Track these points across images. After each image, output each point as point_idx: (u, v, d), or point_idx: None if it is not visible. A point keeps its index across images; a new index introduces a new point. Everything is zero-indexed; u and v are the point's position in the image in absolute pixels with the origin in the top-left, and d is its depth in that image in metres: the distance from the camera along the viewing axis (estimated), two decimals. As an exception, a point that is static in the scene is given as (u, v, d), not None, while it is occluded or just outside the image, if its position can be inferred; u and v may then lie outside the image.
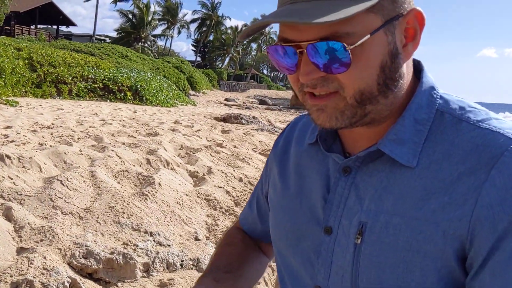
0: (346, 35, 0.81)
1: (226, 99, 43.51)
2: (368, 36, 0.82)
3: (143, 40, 57.09)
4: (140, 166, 6.07)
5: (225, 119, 17.24)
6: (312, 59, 0.84)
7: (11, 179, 4.38)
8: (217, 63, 78.64)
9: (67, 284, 2.93)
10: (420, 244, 0.85)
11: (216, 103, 37.88)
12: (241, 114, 18.38)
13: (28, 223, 3.61)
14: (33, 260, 3.06)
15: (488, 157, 0.83)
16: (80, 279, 3.08)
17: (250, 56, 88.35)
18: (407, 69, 0.92)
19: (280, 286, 1.14)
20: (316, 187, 1.03)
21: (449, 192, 0.84)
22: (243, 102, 43.25)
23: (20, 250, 3.30)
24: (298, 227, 1.05)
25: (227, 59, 78.61)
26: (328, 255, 0.97)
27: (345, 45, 0.81)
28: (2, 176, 4.31)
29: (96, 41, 52.69)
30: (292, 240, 1.06)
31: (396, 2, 0.86)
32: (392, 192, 0.90)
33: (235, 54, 76.39)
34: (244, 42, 77.32)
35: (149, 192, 4.63)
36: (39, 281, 2.87)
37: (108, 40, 59.12)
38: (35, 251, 3.19)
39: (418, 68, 0.99)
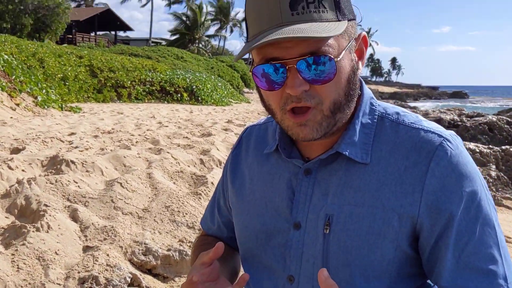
0: (327, 52, 0.97)
1: (280, 95, 43.49)
2: (343, 52, 1.00)
3: (197, 41, 58.05)
4: (194, 166, 6.32)
5: (278, 115, 17.32)
6: (302, 73, 0.97)
7: (76, 183, 4.72)
8: (271, 59, 78.58)
9: (129, 279, 3.18)
10: (380, 227, 1.03)
11: (271, 99, 37.92)
12: (294, 110, 18.41)
13: (92, 223, 3.90)
14: (97, 258, 3.32)
15: (425, 152, 1.03)
16: (140, 275, 3.33)
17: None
18: None
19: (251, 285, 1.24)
20: (280, 191, 1.16)
21: (400, 183, 1.03)
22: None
23: (86, 248, 3.58)
24: (267, 227, 1.17)
25: (280, 55, 78.46)
26: (299, 247, 1.10)
27: (333, 57, 0.97)
28: (68, 181, 4.65)
29: (152, 44, 54.11)
30: (262, 239, 1.18)
31: (354, 27, 1.05)
32: (352, 186, 1.06)
33: (288, 50, 76.15)
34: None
35: (202, 191, 4.85)
36: (103, 277, 3.13)
37: (164, 42, 60.52)
38: (99, 249, 3.46)
39: None
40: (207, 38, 63.37)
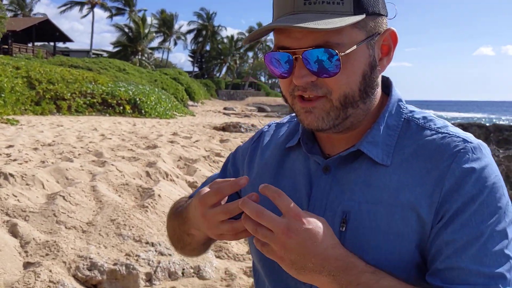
0: (336, 45, 0.95)
1: (224, 108, 43.67)
2: (355, 47, 0.97)
3: (140, 53, 57.28)
4: (140, 178, 6.20)
5: (224, 128, 17.37)
6: (306, 65, 0.96)
7: (15, 196, 4.51)
8: (215, 72, 78.81)
9: (73, 295, 3.06)
10: (399, 227, 0.99)
11: (215, 112, 38.02)
12: (239, 122, 18.52)
13: (33, 238, 3.74)
14: (39, 274, 3.18)
15: (448, 154, 1.00)
16: (85, 290, 3.21)
17: (247, 65, 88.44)
18: (380, 81, 1.09)
19: (257, 283, 1.21)
20: (300, 186, 1.13)
21: (420, 184, 1.00)
22: (242, 110, 43.39)
23: (27, 265, 3.42)
24: None
25: (224, 69, 78.80)
26: None
27: (337, 52, 0.95)
28: (7, 194, 4.44)
29: (93, 56, 52.90)
30: None
31: (376, 22, 1.02)
32: (371, 185, 1.03)
33: (232, 63, 76.50)
34: (241, 51, 77.28)
35: (149, 204, 4.76)
36: (46, 294, 3.00)
37: (105, 54, 59.31)
38: (41, 265, 3.32)
39: (386, 84, 1.15)
40: (150, 51, 62.71)
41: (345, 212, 1.04)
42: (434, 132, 1.05)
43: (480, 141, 1.04)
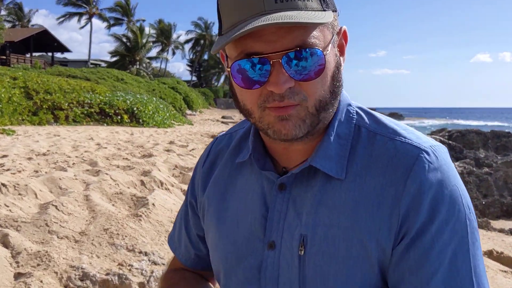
0: (314, 45, 0.88)
1: (223, 117, 43.65)
2: (330, 45, 0.92)
3: (138, 63, 57.39)
4: (135, 187, 6.16)
5: (221, 137, 17.39)
6: (287, 69, 0.88)
7: (7, 206, 4.47)
8: (213, 81, 78.95)
9: (63, 306, 3.01)
10: (359, 251, 0.94)
11: (213, 121, 38.02)
12: (237, 131, 18.50)
13: (25, 248, 3.69)
14: (30, 285, 3.13)
15: (402, 168, 0.94)
16: (76, 301, 3.16)
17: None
18: None
19: None
20: (254, 206, 1.06)
21: (376, 204, 0.94)
22: (240, 119, 43.39)
23: (18, 276, 3.37)
24: (239, 247, 1.07)
25: (222, 77, 78.84)
26: (274, 269, 1.01)
27: (323, 52, 0.89)
28: (-1, 204, 4.40)
29: (91, 66, 53.01)
30: (232, 260, 1.08)
31: (336, 20, 0.97)
32: (327, 205, 0.97)
33: (230, 72, 76.59)
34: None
35: (143, 213, 4.72)
36: (35, 305, 2.95)
37: (103, 64, 59.42)
38: (32, 275, 3.27)
39: None
40: (148, 60, 62.80)
41: (302, 236, 0.98)
42: (386, 139, 0.99)
43: (435, 144, 0.98)
